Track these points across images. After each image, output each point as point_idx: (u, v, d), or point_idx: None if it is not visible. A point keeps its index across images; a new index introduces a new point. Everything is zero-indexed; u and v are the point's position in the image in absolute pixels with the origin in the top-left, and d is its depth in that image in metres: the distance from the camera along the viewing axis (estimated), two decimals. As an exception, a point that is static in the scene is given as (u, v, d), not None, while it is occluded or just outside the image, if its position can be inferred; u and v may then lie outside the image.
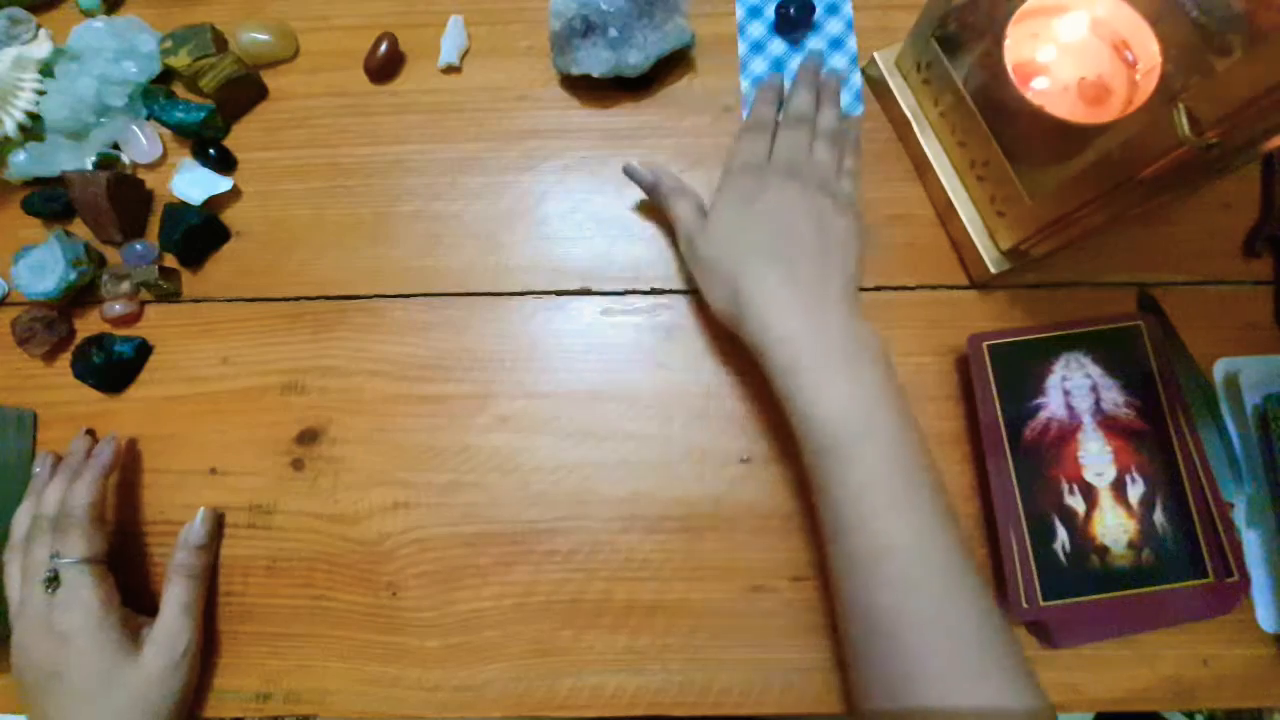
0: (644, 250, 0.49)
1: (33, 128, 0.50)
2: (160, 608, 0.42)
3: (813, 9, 0.50)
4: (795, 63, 0.51)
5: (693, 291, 0.48)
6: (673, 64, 0.51)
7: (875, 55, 0.49)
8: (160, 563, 0.46)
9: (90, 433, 0.47)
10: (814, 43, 0.51)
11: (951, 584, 0.34)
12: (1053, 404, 0.42)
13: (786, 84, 0.49)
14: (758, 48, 0.52)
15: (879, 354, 0.38)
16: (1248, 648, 0.42)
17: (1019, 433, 0.42)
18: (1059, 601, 0.40)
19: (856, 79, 0.51)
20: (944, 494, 0.36)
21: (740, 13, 0.52)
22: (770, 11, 0.51)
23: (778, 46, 0.51)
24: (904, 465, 0.36)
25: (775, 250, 0.40)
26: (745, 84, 0.51)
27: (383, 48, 0.51)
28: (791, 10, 0.49)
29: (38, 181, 0.50)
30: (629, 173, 0.47)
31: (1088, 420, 0.42)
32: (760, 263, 0.40)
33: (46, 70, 0.51)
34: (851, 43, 0.51)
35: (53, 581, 0.40)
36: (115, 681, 0.39)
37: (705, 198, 0.46)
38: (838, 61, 0.51)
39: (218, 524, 0.45)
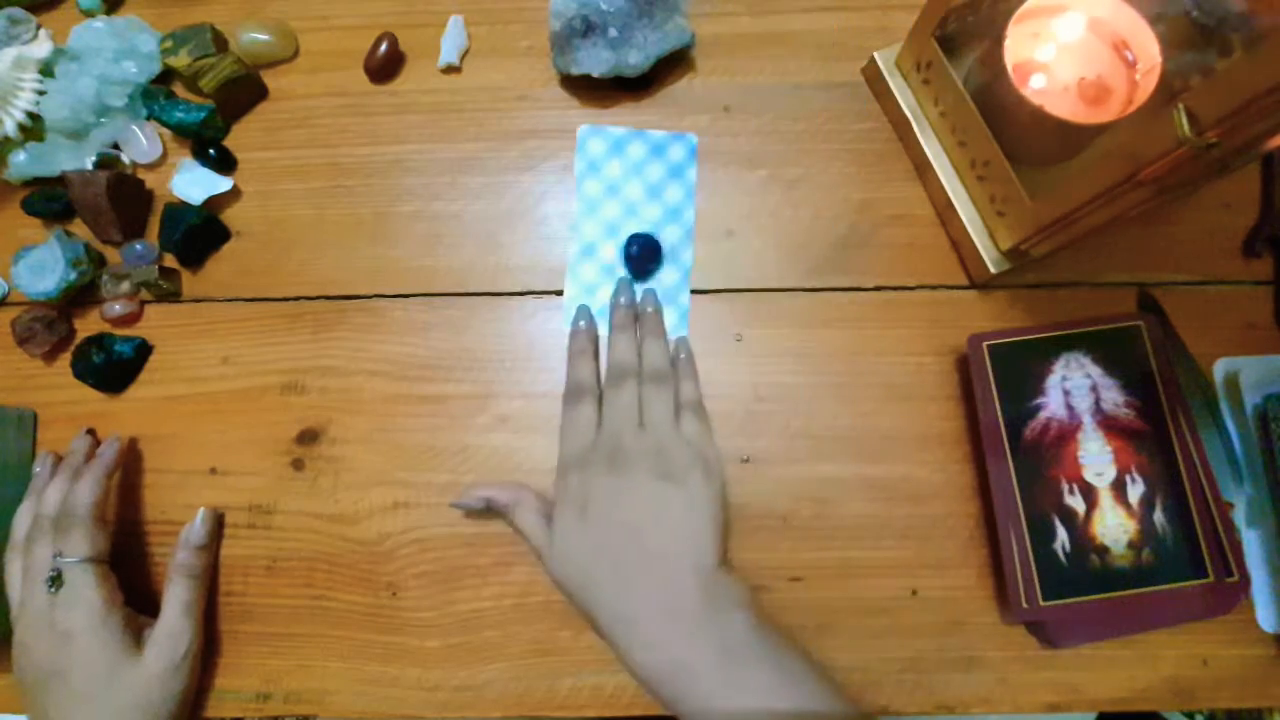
0: (644, 250, 0.49)
1: (33, 128, 0.50)
2: (161, 608, 0.42)
3: (658, 250, 0.47)
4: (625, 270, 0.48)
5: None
6: (673, 64, 0.51)
7: (875, 55, 0.49)
8: (160, 563, 0.46)
9: (90, 432, 0.47)
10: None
11: None
12: (1053, 404, 0.42)
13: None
14: (589, 251, 0.48)
15: (753, 644, 0.36)
16: (1247, 648, 0.42)
17: (1019, 433, 0.42)
18: (1059, 601, 0.40)
19: (685, 299, 0.47)
20: None
21: (579, 206, 0.49)
22: (612, 223, 0.49)
23: (609, 253, 0.48)
24: None
25: (617, 572, 0.38)
26: (569, 293, 0.48)
27: (383, 48, 0.51)
28: (634, 249, 0.47)
29: (38, 181, 0.50)
30: (458, 507, 0.45)
31: (1088, 420, 0.42)
32: (606, 596, 0.38)
33: (46, 70, 0.51)
34: (685, 298, 0.47)
35: (55, 580, 0.40)
36: (117, 681, 0.39)
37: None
38: (671, 314, 0.47)
39: (218, 524, 0.45)
